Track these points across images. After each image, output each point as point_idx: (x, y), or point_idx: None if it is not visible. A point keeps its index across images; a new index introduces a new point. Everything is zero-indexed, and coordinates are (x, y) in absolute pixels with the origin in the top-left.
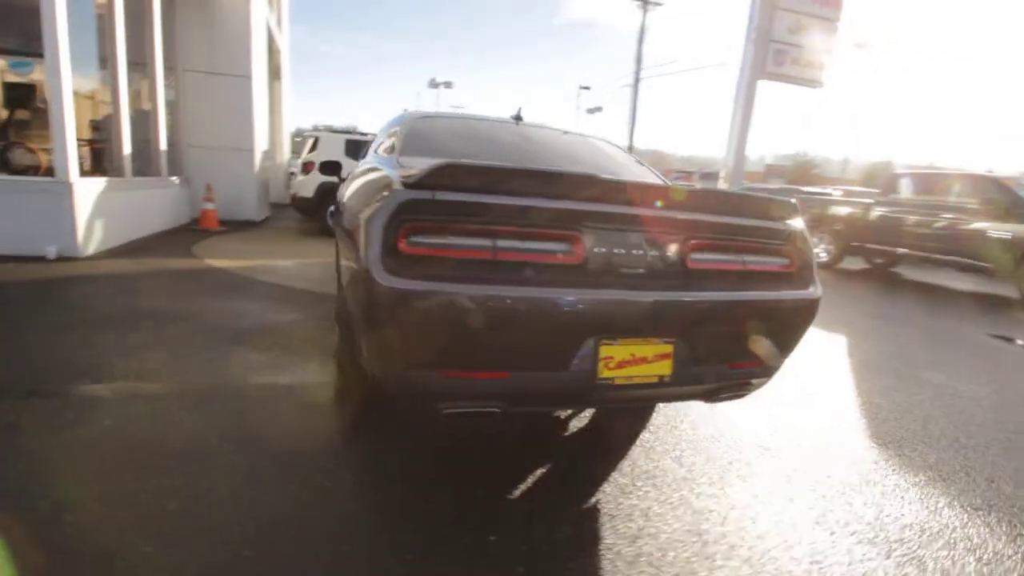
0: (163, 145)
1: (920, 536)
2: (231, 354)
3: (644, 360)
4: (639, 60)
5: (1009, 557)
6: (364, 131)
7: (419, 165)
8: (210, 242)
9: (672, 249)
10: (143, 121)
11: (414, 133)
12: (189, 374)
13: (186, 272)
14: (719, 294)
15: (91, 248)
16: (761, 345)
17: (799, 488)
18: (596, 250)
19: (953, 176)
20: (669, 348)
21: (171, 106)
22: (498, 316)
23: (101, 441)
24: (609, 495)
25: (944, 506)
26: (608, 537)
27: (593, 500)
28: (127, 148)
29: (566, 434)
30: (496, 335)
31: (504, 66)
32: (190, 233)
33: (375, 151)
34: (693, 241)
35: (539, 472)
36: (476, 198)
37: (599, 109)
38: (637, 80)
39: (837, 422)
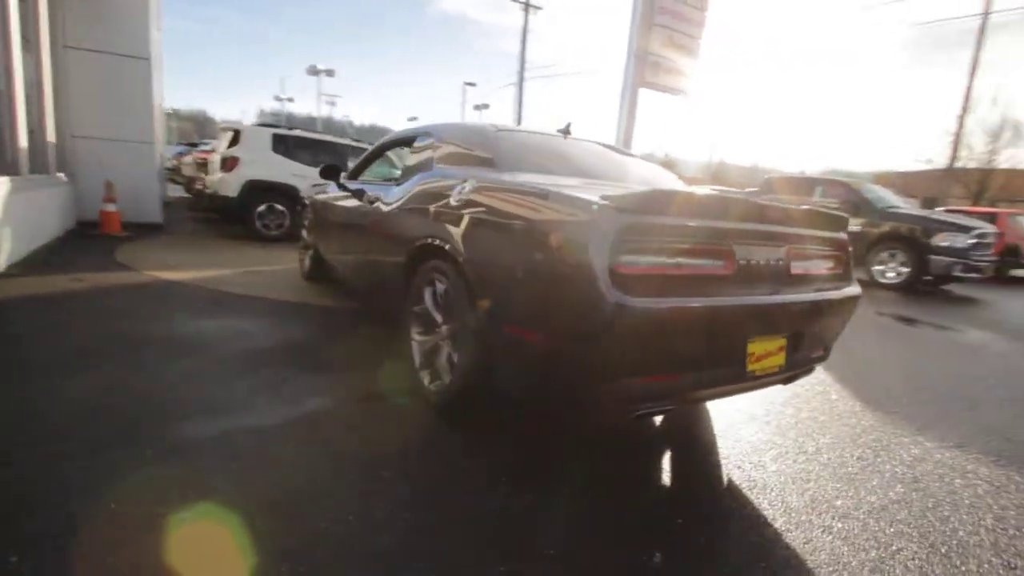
0: (50, 136)
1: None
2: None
3: (770, 354)
4: (522, 60)
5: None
6: (291, 126)
7: (535, 181)
8: (129, 250)
9: (783, 258)
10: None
11: (507, 149)
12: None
13: (138, 288)
14: (815, 295)
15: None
16: (831, 334)
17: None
18: (741, 262)
19: (816, 179)
20: (784, 342)
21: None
22: (695, 324)
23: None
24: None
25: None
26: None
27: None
28: (23, 140)
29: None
30: (690, 341)
31: (383, 56)
32: (93, 240)
33: (435, 162)
34: (795, 250)
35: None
36: (672, 220)
37: (486, 106)
38: (521, 80)
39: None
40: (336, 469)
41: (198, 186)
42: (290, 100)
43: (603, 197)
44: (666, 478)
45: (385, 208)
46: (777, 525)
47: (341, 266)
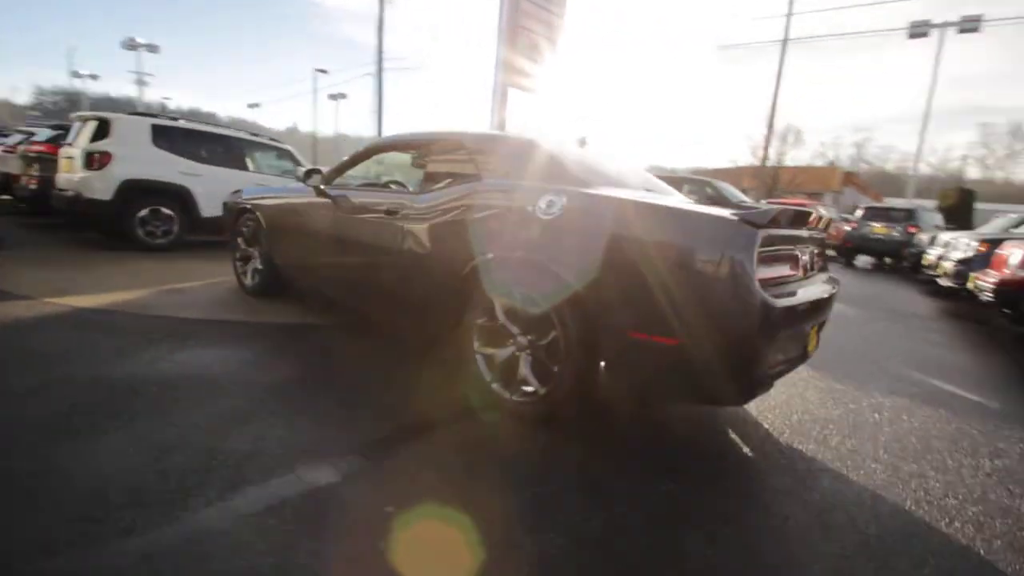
0: None
1: None
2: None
3: (811, 338)
4: (380, 51)
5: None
6: (174, 115)
7: (624, 195)
8: None
9: (809, 257)
10: None
11: (573, 163)
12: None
13: (57, 321)
14: (832, 287)
15: None
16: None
17: None
18: (801, 263)
19: (685, 178)
20: (815, 329)
21: None
22: (797, 318)
23: None
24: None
25: None
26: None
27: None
28: None
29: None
30: (792, 331)
31: (207, 32)
32: None
33: (482, 173)
34: (818, 251)
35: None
36: (779, 231)
37: (343, 96)
38: (380, 70)
39: None
40: (499, 489)
41: (32, 185)
42: (93, 77)
43: (735, 214)
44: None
45: (416, 219)
46: (782, 429)
47: (325, 279)
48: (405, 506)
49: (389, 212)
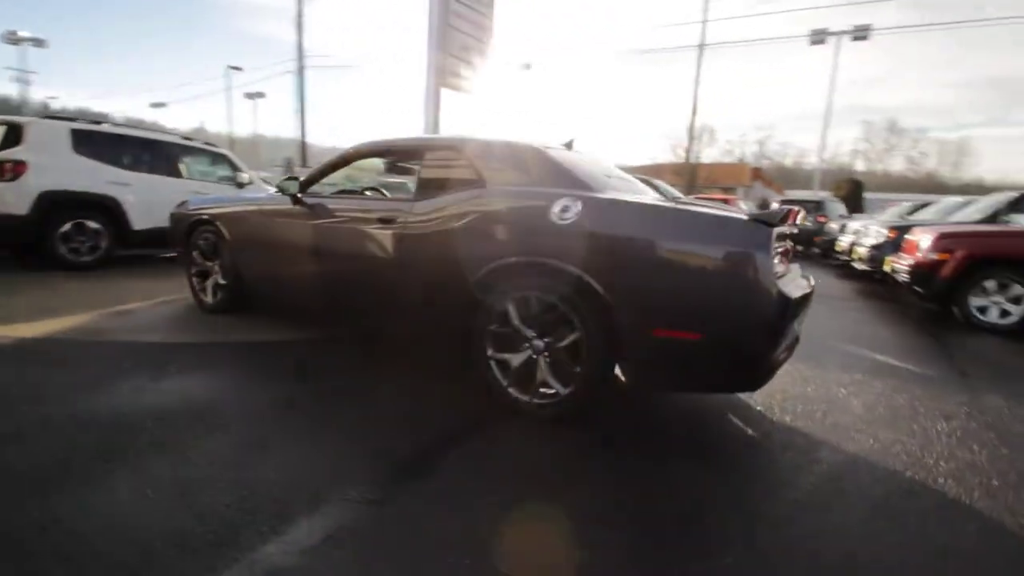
0: None
1: None
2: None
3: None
4: (300, 48)
5: None
6: (97, 119)
7: (634, 199)
8: None
9: (789, 251)
10: None
11: (580, 169)
12: None
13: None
14: (810, 279)
15: None
16: None
17: None
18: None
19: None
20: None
21: None
22: (801, 308)
23: None
24: None
25: None
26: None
27: None
28: None
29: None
30: (794, 320)
31: (100, 27)
32: None
33: (485, 180)
34: (791, 246)
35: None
36: (784, 229)
37: (261, 95)
38: (301, 68)
39: None
40: (553, 486)
41: None
42: None
43: (749, 215)
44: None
45: (417, 226)
46: (772, 410)
47: (307, 292)
48: (466, 515)
49: (384, 220)
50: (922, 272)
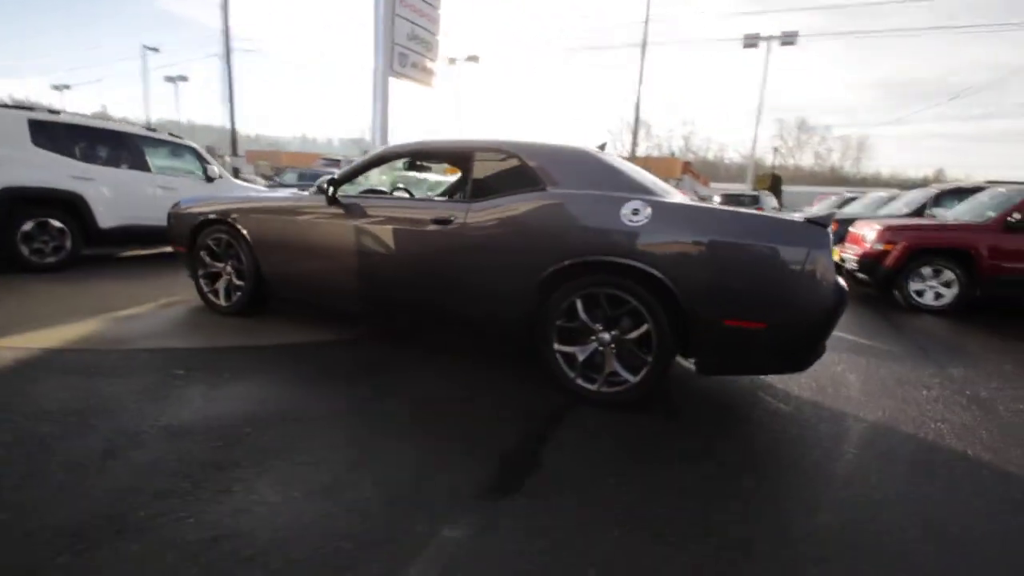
0: None
1: None
2: None
3: None
4: (227, 33)
5: None
6: (55, 108)
7: (695, 203)
8: None
9: None
10: None
11: (635, 174)
12: None
13: (30, 367)
14: None
15: None
16: None
17: None
18: None
19: None
20: None
21: None
22: None
23: None
24: None
25: None
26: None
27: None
28: None
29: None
30: None
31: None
32: None
33: (544, 182)
34: None
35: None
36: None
37: (183, 78)
38: (228, 51)
39: None
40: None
41: None
42: None
43: (813, 217)
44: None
45: (478, 227)
46: (791, 388)
47: (348, 293)
48: (593, 494)
49: (440, 221)
50: (869, 261)
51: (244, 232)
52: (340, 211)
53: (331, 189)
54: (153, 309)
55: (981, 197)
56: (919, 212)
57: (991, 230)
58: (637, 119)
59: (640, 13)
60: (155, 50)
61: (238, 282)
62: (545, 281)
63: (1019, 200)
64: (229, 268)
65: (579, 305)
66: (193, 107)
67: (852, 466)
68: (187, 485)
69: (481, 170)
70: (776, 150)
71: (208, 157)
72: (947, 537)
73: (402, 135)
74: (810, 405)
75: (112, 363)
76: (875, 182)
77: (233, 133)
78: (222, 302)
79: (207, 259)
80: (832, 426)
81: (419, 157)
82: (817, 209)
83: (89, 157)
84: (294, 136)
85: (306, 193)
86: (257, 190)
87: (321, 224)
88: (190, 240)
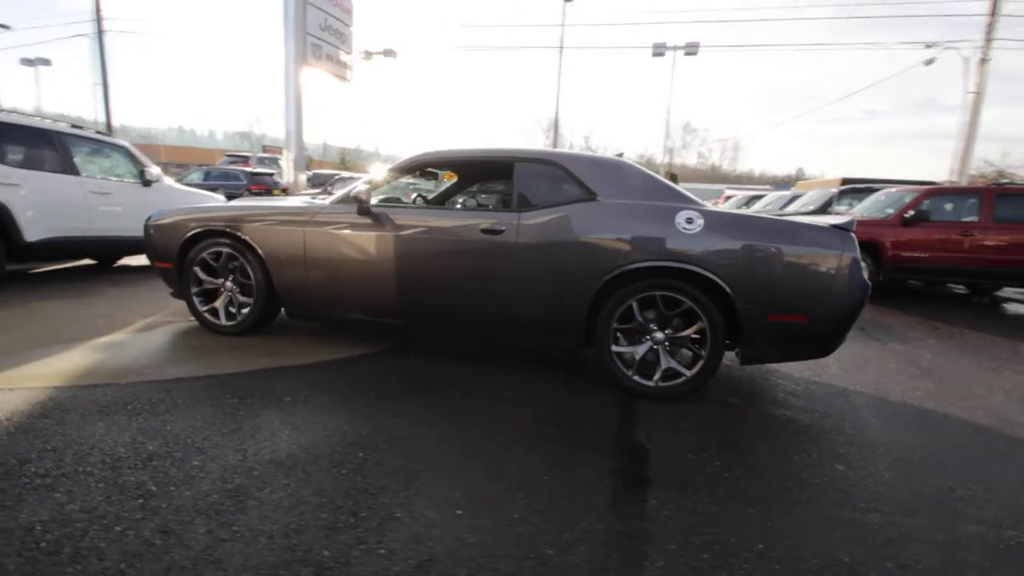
0: None
1: None
2: None
3: None
4: (98, 10)
5: None
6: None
7: (732, 210)
8: None
9: None
10: None
11: (670, 185)
12: None
13: (55, 409)
14: None
15: None
16: None
17: None
18: None
19: None
20: None
21: None
22: None
23: None
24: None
25: None
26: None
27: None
28: None
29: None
30: None
31: None
32: None
33: (596, 194)
34: None
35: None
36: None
37: (45, 61)
38: (100, 31)
39: None
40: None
41: None
42: None
43: (839, 224)
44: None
45: (527, 237)
46: (799, 371)
47: (387, 306)
48: (718, 478)
49: (491, 231)
50: None
51: (255, 245)
52: (373, 221)
53: (363, 199)
54: (136, 333)
55: (879, 196)
56: (824, 209)
57: (892, 225)
58: (557, 119)
59: (557, 17)
60: (6, 28)
61: (244, 299)
62: (604, 286)
63: (911, 200)
64: (229, 284)
65: (635, 307)
66: (54, 94)
67: (875, 434)
68: (348, 517)
69: (528, 181)
70: (671, 150)
71: (143, 158)
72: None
73: (315, 131)
74: (816, 385)
75: (146, 397)
76: (749, 179)
77: (109, 125)
78: (223, 321)
79: (202, 275)
80: (841, 401)
81: (453, 167)
82: (730, 205)
83: (10, 159)
84: (169, 127)
85: (324, 202)
86: (256, 199)
87: (354, 235)
88: (179, 255)
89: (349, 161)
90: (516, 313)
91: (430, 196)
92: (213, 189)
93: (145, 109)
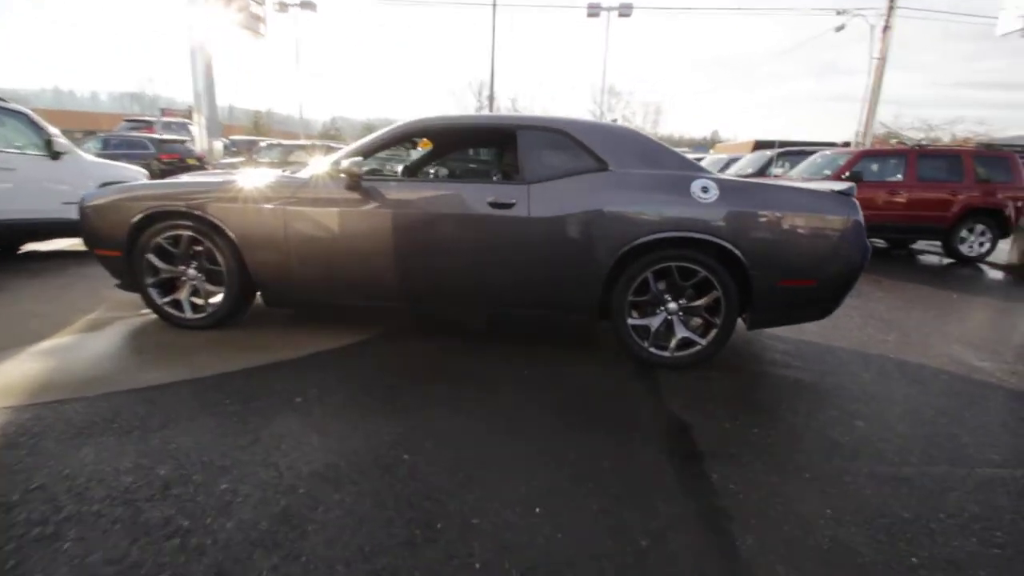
0: None
1: None
2: None
3: None
4: None
5: None
6: None
7: (738, 178)
8: None
9: None
10: None
11: (676, 153)
12: None
13: (85, 422)
14: None
15: None
16: None
17: None
18: None
19: None
20: None
21: None
22: None
23: None
24: None
25: None
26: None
27: None
28: None
29: None
30: None
31: None
32: None
33: (608, 163)
34: None
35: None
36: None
37: None
38: None
39: None
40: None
41: None
42: None
43: (835, 190)
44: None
45: (539, 210)
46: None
47: (386, 286)
48: (771, 444)
49: (499, 205)
50: None
51: (223, 227)
52: (363, 197)
53: (355, 172)
54: (84, 333)
55: (815, 159)
56: (762, 172)
57: None
58: (492, 80)
59: None
60: None
61: (212, 288)
62: (621, 258)
63: (845, 162)
64: (192, 272)
65: (651, 279)
66: None
67: (866, 386)
68: (424, 530)
69: (533, 151)
70: (600, 114)
71: (47, 126)
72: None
73: (219, 93)
74: (803, 344)
75: (129, 411)
76: (669, 142)
77: None
78: (189, 314)
79: (158, 263)
80: (831, 358)
81: (449, 134)
82: None
83: None
84: (42, 88)
85: (304, 176)
86: (209, 174)
87: (342, 213)
88: (127, 241)
89: (263, 125)
90: (528, 290)
91: (400, 167)
92: (115, 160)
93: (10, 66)
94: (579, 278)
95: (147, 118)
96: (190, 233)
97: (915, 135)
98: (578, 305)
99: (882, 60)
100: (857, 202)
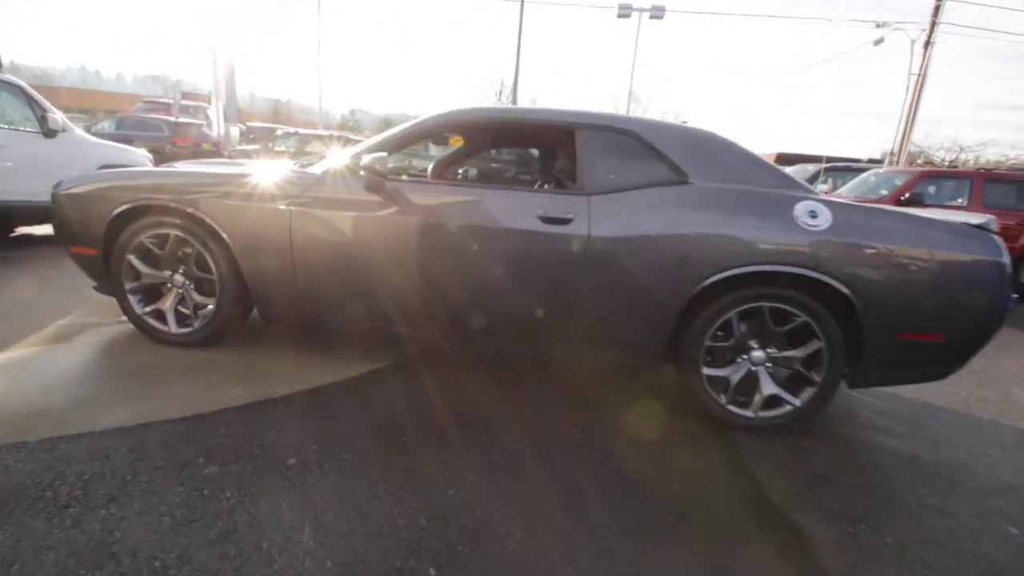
0: None
1: None
2: None
3: None
4: None
5: None
6: None
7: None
8: None
9: None
10: None
11: (767, 163)
12: None
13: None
14: None
15: None
16: None
17: None
18: None
19: None
20: None
21: None
22: None
23: None
24: None
25: None
26: None
27: None
28: None
29: None
30: None
31: None
32: None
33: (688, 176)
34: None
35: None
36: None
37: None
38: None
39: None
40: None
41: None
42: None
43: (972, 224)
44: None
45: (601, 228)
46: None
47: (407, 306)
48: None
49: (552, 220)
50: None
51: (217, 228)
52: (385, 200)
53: (379, 171)
54: (48, 345)
55: (867, 177)
56: None
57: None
58: (517, 75)
59: None
60: None
61: (201, 298)
62: (700, 293)
63: (904, 182)
64: (180, 278)
65: (735, 321)
66: None
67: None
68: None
69: (596, 155)
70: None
71: (43, 101)
72: None
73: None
74: (895, 399)
75: (73, 471)
76: None
77: None
78: (173, 328)
79: (140, 266)
80: (908, 407)
81: (488, 130)
82: None
83: None
84: (69, 68)
85: (317, 171)
86: (210, 163)
87: (360, 218)
88: (105, 237)
89: (283, 113)
90: (581, 325)
91: (429, 165)
92: (128, 141)
93: (41, 46)
94: (646, 314)
95: (165, 100)
96: (178, 232)
97: (947, 156)
98: (641, 347)
99: (921, 76)
100: (1000, 240)
